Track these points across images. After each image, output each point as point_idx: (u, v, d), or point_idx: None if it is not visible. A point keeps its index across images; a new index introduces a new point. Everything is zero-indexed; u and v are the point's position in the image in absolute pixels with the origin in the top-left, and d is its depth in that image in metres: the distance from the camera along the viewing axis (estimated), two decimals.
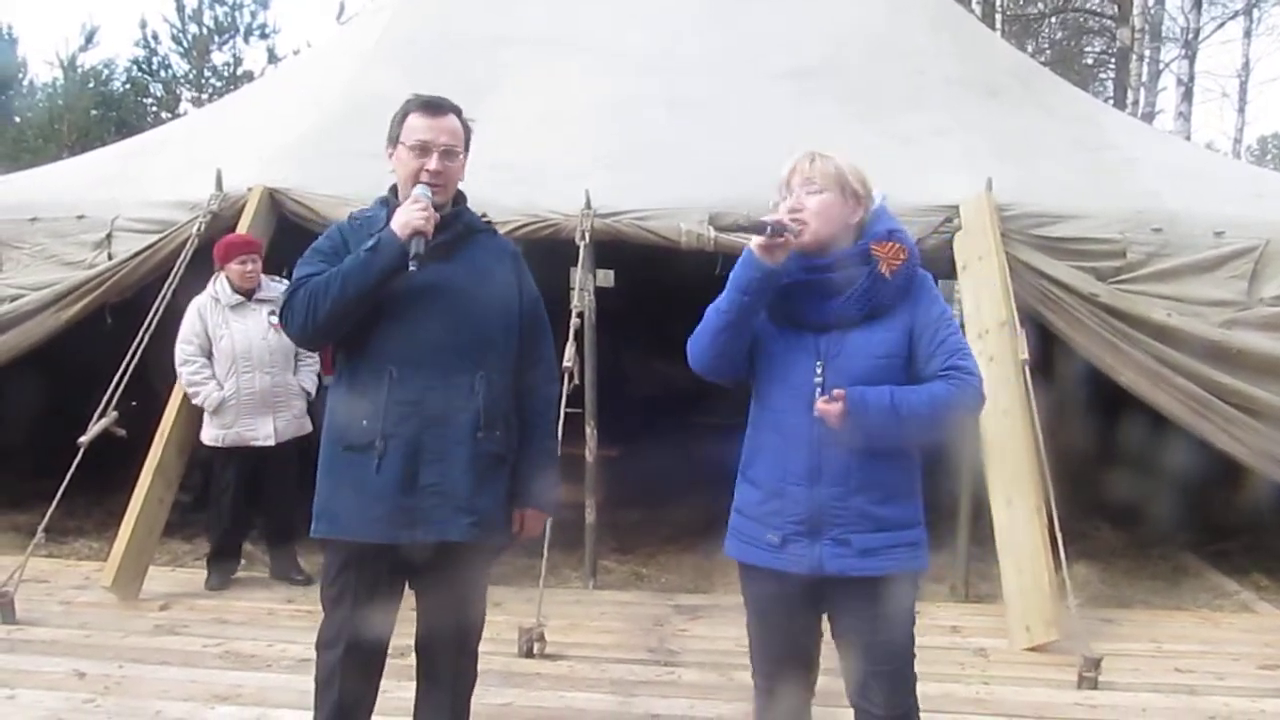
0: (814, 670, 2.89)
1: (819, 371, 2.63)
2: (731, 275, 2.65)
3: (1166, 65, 18.79)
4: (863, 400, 2.56)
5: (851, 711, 2.83)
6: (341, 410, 2.93)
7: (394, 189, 3.05)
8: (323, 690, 3.02)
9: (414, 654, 3.18)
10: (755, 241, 2.59)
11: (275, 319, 4.98)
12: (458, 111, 3.01)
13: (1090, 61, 22.33)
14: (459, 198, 3.07)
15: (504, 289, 3.05)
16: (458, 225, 3.00)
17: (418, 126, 2.94)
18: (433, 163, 2.93)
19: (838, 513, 2.62)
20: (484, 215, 3.19)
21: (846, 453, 2.61)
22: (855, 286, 2.62)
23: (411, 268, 2.79)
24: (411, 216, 2.82)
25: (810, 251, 2.66)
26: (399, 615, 3.10)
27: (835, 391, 2.56)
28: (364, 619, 2.95)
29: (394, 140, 2.99)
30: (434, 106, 2.97)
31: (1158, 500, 6.53)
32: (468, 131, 3.03)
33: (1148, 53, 18.10)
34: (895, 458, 2.66)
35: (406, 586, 3.09)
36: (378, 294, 2.85)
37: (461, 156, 3.01)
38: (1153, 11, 18.18)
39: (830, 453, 2.62)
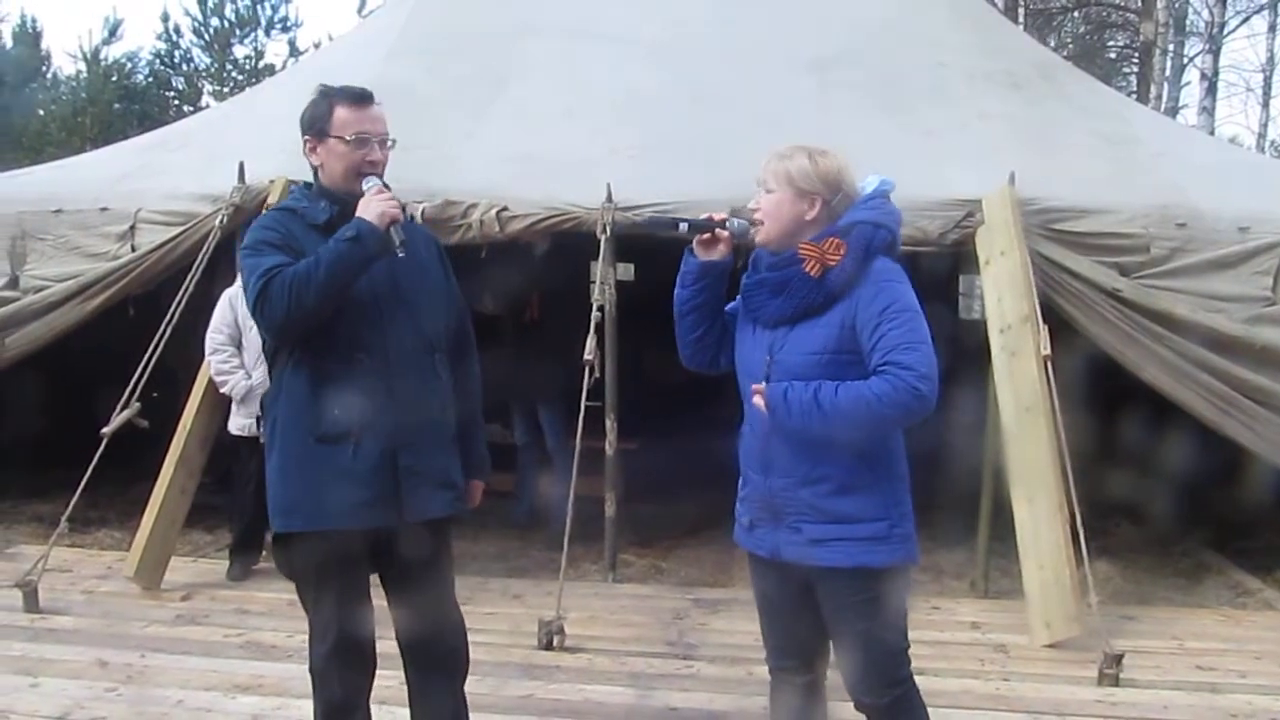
0: (823, 654, 2.94)
1: (767, 366, 2.73)
2: None
3: (1190, 60, 18.67)
4: (782, 395, 2.65)
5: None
6: (308, 401, 2.92)
7: (316, 178, 3.06)
8: (319, 682, 3.06)
9: (400, 649, 3.17)
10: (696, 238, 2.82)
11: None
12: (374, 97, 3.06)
13: (1113, 56, 22.17)
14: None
15: (438, 272, 3.16)
16: None
17: (351, 119, 2.97)
18: (375, 153, 2.99)
19: (788, 502, 2.73)
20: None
21: (794, 445, 2.70)
22: (789, 286, 2.71)
23: (400, 254, 2.89)
24: (385, 206, 2.88)
25: (773, 250, 2.78)
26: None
27: (755, 386, 2.70)
28: (348, 612, 2.98)
29: (320, 134, 2.99)
30: (363, 97, 3.01)
31: (1178, 497, 6.49)
32: None
33: (1171, 47, 17.99)
34: (846, 451, 2.67)
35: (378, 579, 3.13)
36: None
37: (390, 143, 3.05)
38: (1177, 6, 18.05)
39: (777, 444, 2.73)
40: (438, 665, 3.17)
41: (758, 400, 2.69)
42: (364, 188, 2.94)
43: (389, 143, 3.04)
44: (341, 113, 2.97)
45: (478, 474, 3.28)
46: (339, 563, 2.96)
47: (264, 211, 3.91)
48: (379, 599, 3.12)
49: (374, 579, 3.11)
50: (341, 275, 2.82)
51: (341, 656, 2.99)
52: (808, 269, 2.67)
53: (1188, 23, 18.78)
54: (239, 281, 5.63)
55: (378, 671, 3.12)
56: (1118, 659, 4.46)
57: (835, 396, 2.59)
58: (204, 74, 19.41)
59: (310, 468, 2.92)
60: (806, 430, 2.63)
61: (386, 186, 2.99)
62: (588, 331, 5.36)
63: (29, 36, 18.32)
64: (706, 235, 2.80)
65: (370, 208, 2.88)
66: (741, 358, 2.86)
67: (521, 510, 7.01)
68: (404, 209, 3.04)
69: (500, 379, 6.22)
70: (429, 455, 3.00)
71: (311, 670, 3.06)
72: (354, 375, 2.90)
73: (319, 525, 2.93)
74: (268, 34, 19.62)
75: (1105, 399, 6.17)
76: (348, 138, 2.95)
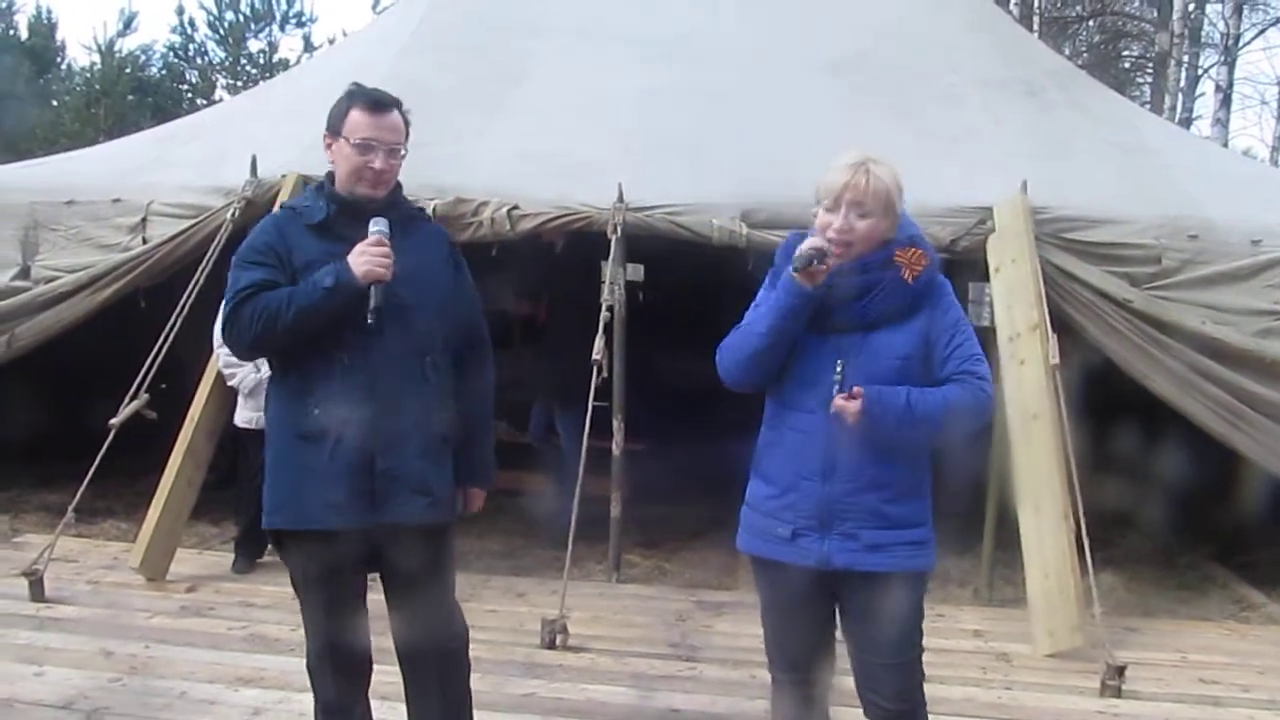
0: (829, 663, 2.94)
1: (839, 371, 2.71)
2: (773, 301, 2.73)
3: (1205, 71, 18.61)
4: (880, 399, 2.65)
5: (859, 710, 2.88)
6: (292, 399, 2.92)
7: (330, 176, 3.05)
8: (314, 680, 3.07)
9: (396, 652, 3.13)
10: (798, 268, 2.66)
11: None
12: (399, 105, 3.02)
13: (1128, 65, 22.10)
14: (395, 186, 3.06)
15: (443, 275, 3.11)
16: (393, 214, 2.99)
17: (362, 124, 2.94)
18: (378, 161, 2.95)
19: (847, 508, 2.72)
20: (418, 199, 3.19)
21: (859, 450, 2.70)
22: (877, 291, 2.71)
23: (370, 320, 2.83)
24: (374, 265, 2.83)
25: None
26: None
27: (855, 389, 2.65)
28: (337, 614, 2.98)
29: (335, 132, 2.99)
30: (378, 103, 2.97)
31: (1183, 509, 6.48)
32: (407, 125, 3.04)
33: (1186, 58, 17.93)
34: (906, 457, 2.75)
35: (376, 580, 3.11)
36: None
37: (403, 153, 3.02)
38: (1192, 16, 17.99)
39: (843, 450, 2.71)
40: (433, 670, 3.14)
41: (849, 405, 2.64)
42: (370, 229, 2.90)
43: (401, 152, 3.01)
44: (355, 115, 2.95)
45: (481, 480, 3.22)
46: (328, 564, 2.95)
47: (275, 208, 3.97)
48: (376, 593, 3.11)
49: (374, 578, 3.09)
50: (309, 322, 2.82)
51: (332, 657, 3.00)
52: (905, 275, 2.71)
53: (1203, 34, 18.70)
54: None
55: (382, 667, 3.12)
56: (1120, 670, 4.46)
57: (925, 401, 2.66)
58: (218, 68, 19.44)
59: (293, 466, 2.92)
60: (897, 433, 2.67)
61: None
62: (596, 331, 5.36)
63: (44, 27, 18.36)
64: (823, 266, 2.66)
65: (360, 260, 2.84)
66: (798, 365, 2.78)
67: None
68: (405, 210, 3.03)
69: (517, 379, 6.23)
70: (408, 459, 2.94)
71: (307, 668, 3.08)
72: (335, 375, 2.89)
73: (299, 525, 2.92)
74: (282, 29, 19.63)
75: (1110, 409, 6.16)
76: (353, 141, 2.94)
